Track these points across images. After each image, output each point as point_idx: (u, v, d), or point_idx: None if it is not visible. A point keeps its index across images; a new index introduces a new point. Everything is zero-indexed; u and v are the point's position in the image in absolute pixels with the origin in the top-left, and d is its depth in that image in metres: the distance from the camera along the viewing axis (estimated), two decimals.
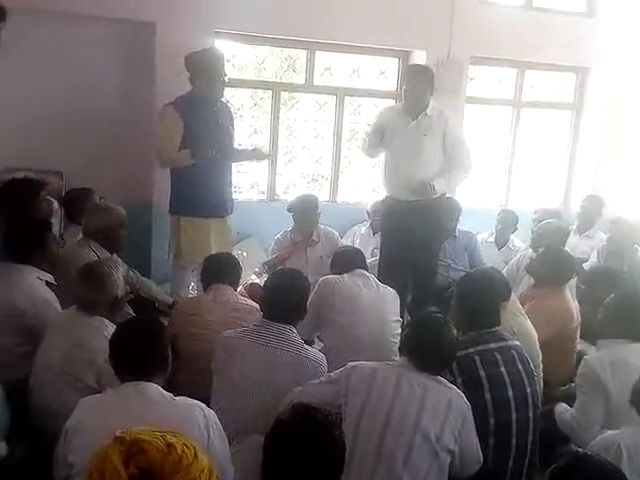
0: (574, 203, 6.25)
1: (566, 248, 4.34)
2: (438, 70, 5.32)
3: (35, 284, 3.22)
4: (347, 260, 3.78)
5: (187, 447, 1.51)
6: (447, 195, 4.49)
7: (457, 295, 3.04)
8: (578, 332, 3.84)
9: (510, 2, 5.92)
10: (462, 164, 4.35)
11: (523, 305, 3.70)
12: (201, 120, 4.24)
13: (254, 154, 4.64)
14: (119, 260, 3.52)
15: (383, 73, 5.88)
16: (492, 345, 2.82)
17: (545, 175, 6.65)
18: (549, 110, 6.51)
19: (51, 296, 3.24)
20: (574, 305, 3.84)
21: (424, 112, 4.23)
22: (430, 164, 4.25)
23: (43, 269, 3.30)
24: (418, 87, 4.23)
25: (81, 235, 3.87)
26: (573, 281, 4.08)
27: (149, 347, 2.31)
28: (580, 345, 3.86)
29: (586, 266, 4.76)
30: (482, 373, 2.74)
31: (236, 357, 2.76)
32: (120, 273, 3.05)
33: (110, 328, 2.73)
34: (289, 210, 4.93)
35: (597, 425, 2.86)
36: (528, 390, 2.80)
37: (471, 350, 2.78)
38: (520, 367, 2.83)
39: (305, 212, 4.87)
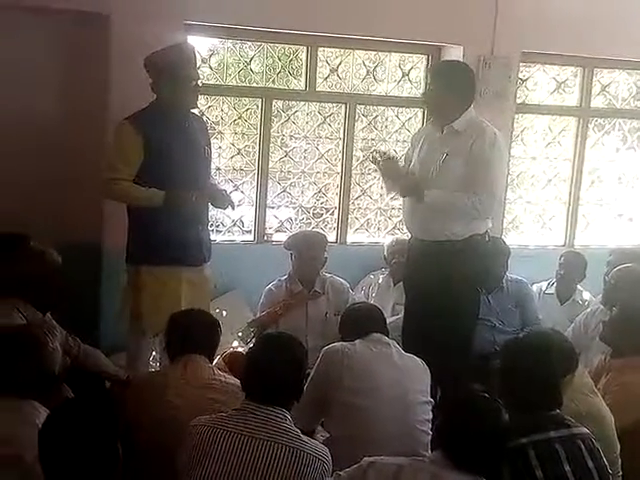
0: None
1: None
2: (479, 71, 5.38)
3: None
4: (361, 321, 3.77)
5: None
6: (488, 233, 4.46)
7: (503, 366, 3.02)
8: None
9: None
10: (474, 193, 4.12)
11: (596, 380, 3.67)
12: (168, 140, 4.27)
13: (223, 198, 4.51)
14: (54, 323, 3.51)
15: (406, 75, 5.97)
16: (552, 434, 2.78)
17: (622, 205, 6.67)
18: (626, 120, 6.56)
19: None
20: None
21: (450, 126, 4.22)
22: None
23: None
24: (437, 91, 4.25)
25: None
26: None
27: (92, 442, 2.27)
28: None
29: None
30: (539, 474, 2.70)
31: (210, 452, 2.74)
32: (57, 340, 3.05)
33: (43, 414, 2.71)
34: (287, 247, 4.94)
35: None
36: None
37: (524, 441, 2.74)
38: (591, 464, 2.78)
39: (309, 251, 4.89)
